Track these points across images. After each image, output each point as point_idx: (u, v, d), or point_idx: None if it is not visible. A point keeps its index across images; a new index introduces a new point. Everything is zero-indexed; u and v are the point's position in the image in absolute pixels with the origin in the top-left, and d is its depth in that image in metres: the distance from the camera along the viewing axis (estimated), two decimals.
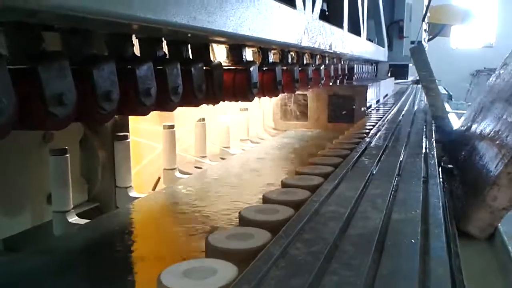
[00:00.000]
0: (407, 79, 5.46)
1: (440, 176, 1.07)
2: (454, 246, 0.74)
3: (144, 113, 0.82)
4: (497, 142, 1.05)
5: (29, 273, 0.71)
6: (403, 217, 0.64)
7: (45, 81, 0.59)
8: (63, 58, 0.62)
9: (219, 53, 1.22)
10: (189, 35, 0.88)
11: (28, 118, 0.59)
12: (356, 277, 0.45)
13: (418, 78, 2.74)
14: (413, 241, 0.55)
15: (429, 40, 7.11)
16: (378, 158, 1.06)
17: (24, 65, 0.60)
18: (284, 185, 0.88)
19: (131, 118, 1.31)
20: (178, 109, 0.91)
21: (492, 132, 1.16)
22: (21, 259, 0.82)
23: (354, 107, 2.21)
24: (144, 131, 1.49)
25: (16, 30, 0.62)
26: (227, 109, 1.85)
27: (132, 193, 1.25)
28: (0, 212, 1.00)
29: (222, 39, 1.02)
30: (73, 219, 1.06)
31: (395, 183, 0.85)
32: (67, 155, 1.04)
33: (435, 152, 1.22)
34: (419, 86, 3.71)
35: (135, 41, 0.85)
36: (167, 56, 0.90)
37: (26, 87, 0.58)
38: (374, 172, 0.95)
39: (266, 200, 0.78)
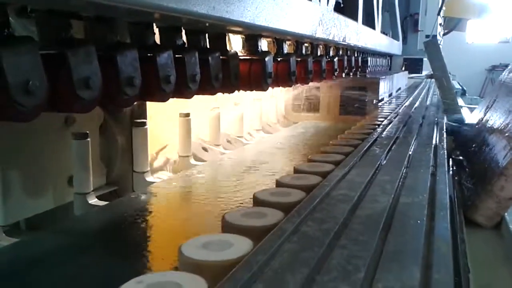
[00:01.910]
0: (422, 73, 5.43)
1: (449, 166, 1.09)
2: (460, 233, 0.77)
3: (163, 99, 0.86)
4: (507, 134, 1.07)
5: (51, 251, 0.75)
6: (410, 201, 0.67)
7: (73, 66, 0.63)
8: (90, 45, 0.66)
9: (235, 43, 1.25)
10: (207, 24, 0.91)
11: (57, 100, 0.63)
12: (363, 251, 0.48)
13: (432, 72, 2.73)
14: (418, 222, 0.58)
15: (444, 34, 7.03)
16: (388, 148, 1.09)
17: (54, 51, 0.63)
18: (296, 171, 0.91)
19: None
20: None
21: (502, 125, 1.18)
22: (43, 238, 0.86)
23: (366, 100, 2.22)
24: None
25: (47, 17, 0.66)
26: (241, 99, 1.88)
27: (149, 178, 1.29)
28: (24, 192, 1.05)
29: (239, 29, 1.05)
30: (93, 200, 1.10)
31: (404, 171, 0.87)
32: (88, 139, 1.09)
33: (445, 144, 1.24)
34: (433, 80, 3.69)
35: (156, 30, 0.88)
36: (186, 45, 0.94)
37: (55, 71, 0.62)
38: (384, 161, 0.97)
39: (279, 184, 0.81)
